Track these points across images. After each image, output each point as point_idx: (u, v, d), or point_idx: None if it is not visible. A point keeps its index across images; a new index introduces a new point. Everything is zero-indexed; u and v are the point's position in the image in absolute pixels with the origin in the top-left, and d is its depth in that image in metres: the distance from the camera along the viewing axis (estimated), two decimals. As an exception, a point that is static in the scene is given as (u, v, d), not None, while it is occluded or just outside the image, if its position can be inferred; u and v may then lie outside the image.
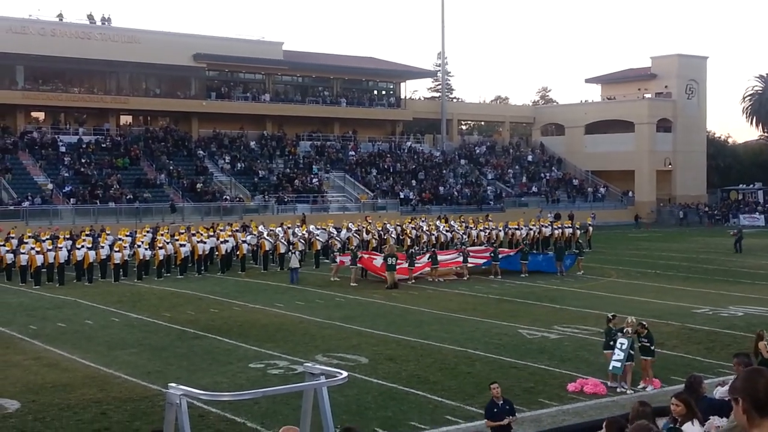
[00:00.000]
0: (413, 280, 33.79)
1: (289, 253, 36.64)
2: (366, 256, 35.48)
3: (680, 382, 14.08)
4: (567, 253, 37.27)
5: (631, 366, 17.02)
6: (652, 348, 17.30)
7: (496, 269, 35.44)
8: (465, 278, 34.52)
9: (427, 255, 35.80)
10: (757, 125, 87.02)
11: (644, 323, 17.69)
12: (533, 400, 16.14)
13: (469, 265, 35.25)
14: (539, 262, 36.86)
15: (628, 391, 16.71)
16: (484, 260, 36.33)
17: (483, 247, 39.35)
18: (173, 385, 3.94)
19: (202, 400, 4.18)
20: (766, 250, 47.43)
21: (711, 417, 8.68)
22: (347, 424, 11.52)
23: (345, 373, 4.33)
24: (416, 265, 34.55)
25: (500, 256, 36.37)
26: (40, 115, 62.30)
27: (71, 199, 50.09)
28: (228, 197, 55.32)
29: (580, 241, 44.03)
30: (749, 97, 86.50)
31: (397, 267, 32.88)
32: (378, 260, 34.24)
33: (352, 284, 32.80)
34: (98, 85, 61.72)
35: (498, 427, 12.87)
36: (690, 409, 8.01)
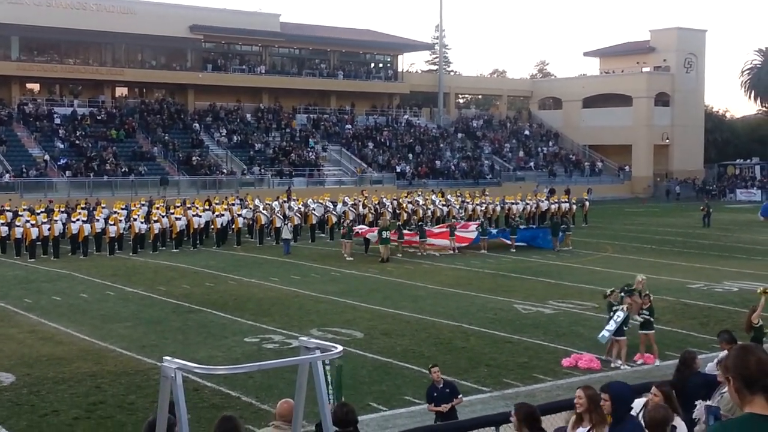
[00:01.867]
0: (401, 254, 33.91)
1: (282, 224, 36.91)
2: (361, 230, 35.66)
3: (675, 357, 14.11)
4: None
5: (625, 342, 17.07)
6: (652, 321, 17.32)
7: (485, 244, 35.52)
8: (451, 252, 34.62)
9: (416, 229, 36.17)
10: (755, 99, 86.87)
11: (650, 294, 17.74)
12: (527, 375, 16.19)
13: (456, 243, 35.28)
14: (536, 237, 36.78)
15: (622, 367, 16.77)
16: (472, 235, 36.25)
17: (470, 222, 39.40)
18: (168, 358, 3.92)
19: (197, 373, 4.15)
20: (761, 224, 47.54)
21: (697, 402, 8.59)
22: (342, 399, 11.55)
23: (340, 348, 4.31)
24: (405, 239, 35.02)
25: (489, 230, 36.57)
26: (35, 87, 61.97)
27: (66, 172, 49.95)
28: (224, 170, 55.20)
29: (567, 217, 44.01)
30: (748, 71, 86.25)
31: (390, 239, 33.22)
32: (374, 234, 34.30)
33: (347, 258, 32.83)
34: (93, 57, 61.37)
35: (439, 412, 12.19)
36: (671, 402, 7.76)
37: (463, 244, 35.52)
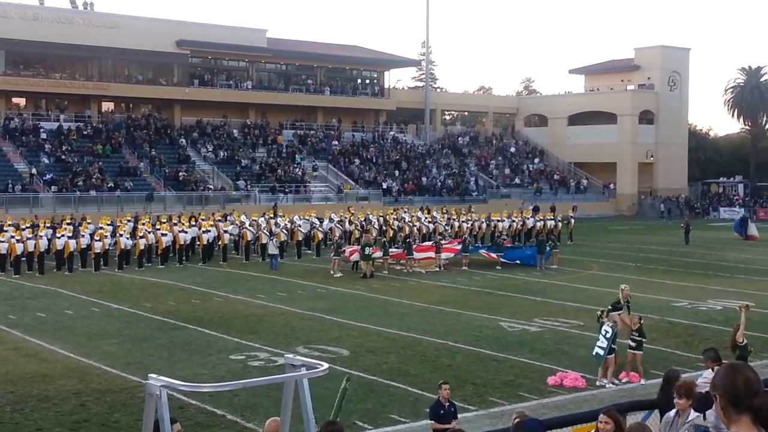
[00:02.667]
0: (386, 271, 33.96)
1: (268, 240, 36.94)
2: (349, 249, 35.65)
3: (658, 376, 14.16)
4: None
5: (613, 360, 17.03)
6: (643, 343, 17.36)
7: (467, 261, 35.67)
8: (437, 269, 34.78)
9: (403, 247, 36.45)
10: (738, 118, 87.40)
11: (640, 317, 17.81)
12: (513, 393, 16.21)
13: (443, 255, 35.52)
14: (524, 256, 36.86)
15: (607, 385, 16.77)
16: (458, 247, 36.61)
17: (455, 239, 39.81)
18: (153, 376, 3.93)
19: (182, 391, 4.17)
20: (745, 243, 47.81)
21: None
22: (329, 419, 11.53)
23: (326, 365, 4.34)
24: (391, 253, 35.42)
25: (470, 248, 36.76)
26: (21, 101, 61.82)
27: (52, 187, 49.75)
28: (210, 186, 55.14)
29: (553, 235, 44.21)
30: (731, 90, 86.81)
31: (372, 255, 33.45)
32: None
33: (336, 275, 32.77)
34: (80, 71, 61.27)
35: (443, 430, 12.04)
36: (620, 428, 7.63)
37: (450, 254, 35.86)
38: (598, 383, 16.92)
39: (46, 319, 23.86)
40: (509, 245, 39.33)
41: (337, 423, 8.10)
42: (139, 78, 63.70)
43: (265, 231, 39.17)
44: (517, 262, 36.16)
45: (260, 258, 37.68)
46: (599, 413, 9.71)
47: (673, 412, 7.96)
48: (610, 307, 18.25)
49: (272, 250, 35.68)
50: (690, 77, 78.94)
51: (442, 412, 12.22)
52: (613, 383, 16.93)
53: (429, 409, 12.80)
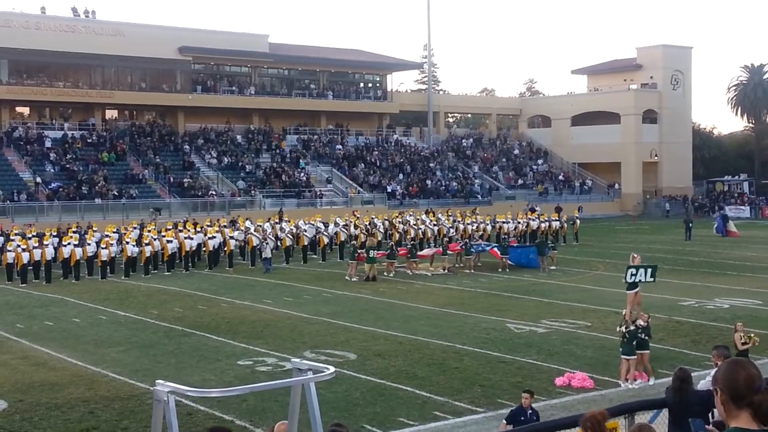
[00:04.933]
0: (393, 273, 33.96)
1: (263, 243, 37.01)
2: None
3: (666, 375, 14.17)
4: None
5: (635, 361, 16.87)
6: (648, 341, 17.30)
7: (470, 263, 35.72)
8: (443, 271, 34.86)
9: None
10: (742, 116, 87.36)
11: (649, 315, 17.82)
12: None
13: (450, 252, 35.97)
14: (528, 256, 36.79)
15: (632, 386, 16.60)
16: (461, 251, 36.88)
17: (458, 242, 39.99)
18: (161, 382, 3.94)
19: (190, 397, 4.17)
20: (750, 241, 47.72)
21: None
22: (336, 421, 11.55)
23: (332, 369, 4.35)
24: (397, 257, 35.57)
25: (473, 248, 36.77)
26: (25, 110, 61.92)
27: (57, 196, 49.80)
28: (215, 192, 55.20)
29: (553, 235, 44.06)
30: (734, 88, 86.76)
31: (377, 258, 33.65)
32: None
33: (348, 279, 32.69)
34: (83, 79, 61.38)
35: None
36: None
37: (455, 251, 36.55)
38: (622, 384, 16.74)
39: (53, 327, 23.90)
40: (515, 244, 39.19)
41: (344, 425, 8.08)
42: (143, 85, 63.78)
43: (270, 236, 39.19)
44: (522, 263, 36.16)
45: (266, 263, 37.76)
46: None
47: None
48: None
49: (266, 253, 36.04)
50: (693, 76, 78.90)
51: (522, 418, 12.29)
52: (632, 384, 16.75)
53: (510, 411, 12.87)
